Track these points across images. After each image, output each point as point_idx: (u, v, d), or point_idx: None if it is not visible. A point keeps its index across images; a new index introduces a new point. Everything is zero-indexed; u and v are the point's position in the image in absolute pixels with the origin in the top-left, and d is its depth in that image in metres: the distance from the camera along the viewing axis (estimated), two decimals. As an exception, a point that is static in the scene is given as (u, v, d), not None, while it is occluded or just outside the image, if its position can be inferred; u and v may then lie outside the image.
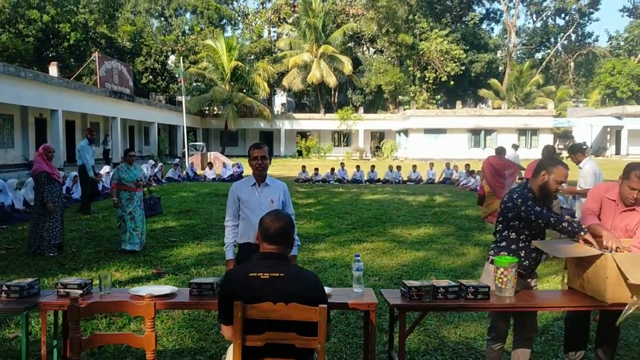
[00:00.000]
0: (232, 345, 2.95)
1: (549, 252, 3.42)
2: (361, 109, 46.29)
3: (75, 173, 13.54)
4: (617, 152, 42.80)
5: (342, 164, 22.51)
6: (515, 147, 16.30)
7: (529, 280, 3.61)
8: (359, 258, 3.45)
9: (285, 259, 2.71)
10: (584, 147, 7.83)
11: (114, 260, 7.55)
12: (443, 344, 4.61)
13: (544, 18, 57.18)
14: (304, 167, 21.70)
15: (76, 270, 6.91)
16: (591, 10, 55.63)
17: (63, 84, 21.37)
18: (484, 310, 3.72)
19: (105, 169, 15.87)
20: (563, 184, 3.48)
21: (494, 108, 46.41)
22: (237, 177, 20.96)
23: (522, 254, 3.50)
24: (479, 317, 5.28)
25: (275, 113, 47.24)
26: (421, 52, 46.41)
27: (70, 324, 2.63)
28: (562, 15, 56.57)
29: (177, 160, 21.55)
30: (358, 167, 21.95)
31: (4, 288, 3.28)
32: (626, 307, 3.12)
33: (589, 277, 3.32)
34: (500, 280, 3.34)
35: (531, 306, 3.41)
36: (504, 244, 3.55)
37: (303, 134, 44.93)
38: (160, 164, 19.01)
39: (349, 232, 9.84)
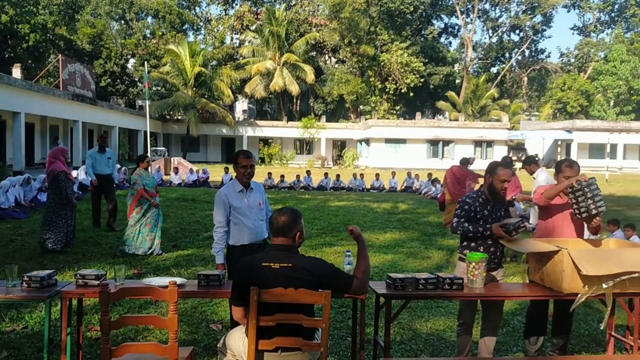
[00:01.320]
0: (235, 329, 3.34)
1: (514, 249, 3.92)
2: (323, 118, 46.89)
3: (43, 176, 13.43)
4: (567, 164, 44.65)
5: (308, 172, 22.97)
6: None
7: (493, 273, 4.13)
8: (349, 253, 3.87)
9: (293, 250, 3.11)
10: (537, 159, 8.52)
11: (93, 261, 7.73)
12: (416, 335, 5.09)
13: (500, 34, 59.36)
14: (269, 173, 22.03)
15: (58, 271, 7.07)
16: (544, 27, 58.14)
17: (26, 86, 21.06)
18: (458, 299, 4.19)
19: (81, 172, 15.76)
20: (506, 182, 4.03)
21: (450, 120, 47.82)
22: (203, 182, 21.09)
23: (481, 250, 4.05)
24: (446, 312, 5.79)
25: (237, 119, 47.29)
26: (382, 64, 47.45)
27: (100, 307, 2.95)
28: (517, 31, 58.89)
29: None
30: (326, 174, 22.47)
31: (25, 279, 3.54)
32: (579, 295, 3.64)
33: (547, 271, 3.84)
34: (472, 273, 3.82)
35: (497, 295, 3.90)
36: (465, 243, 4.17)
37: (265, 141, 45.17)
38: (124, 168, 18.96)
39: (320, 237, 10.25)
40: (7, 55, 34.97)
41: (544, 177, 7.00)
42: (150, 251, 8.24)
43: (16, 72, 23.16)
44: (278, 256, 3.02)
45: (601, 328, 4.07)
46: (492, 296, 3.90)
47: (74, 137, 26.80)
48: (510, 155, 44.59)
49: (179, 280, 3.76)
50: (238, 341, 3.18)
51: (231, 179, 16.67)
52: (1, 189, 11.44)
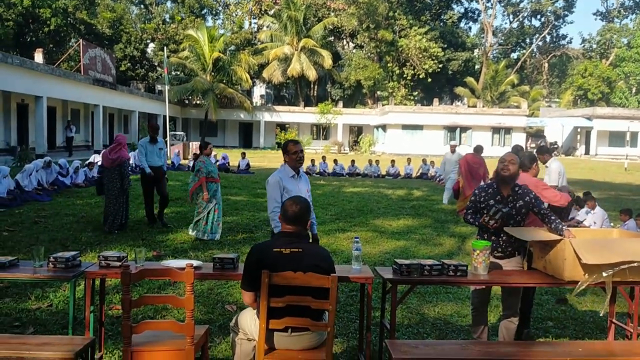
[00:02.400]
0: (245, 310, 3.54)
1: (518, 237, 4.05)
2: (340, 104, 46.89)
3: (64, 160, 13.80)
4: (587, 152, 44.29)
5: (324, 157, 23.09)
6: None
7: (502, 261, 4.24)
8: (358, 240, 4.04)
9: (302, 237, 3.29)
10: (555, 146, 8.56)
11: (114, 243, 7.99)
12: (423, 320, 5.26)
13: (520, 19, 58.51)
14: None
15: (81, 252, 7.34)
16: (566, 12, 57.16)
17: (48, 70, 21.46)
18: (461, 285, 4.35)
19: (96, 157, 16.08)
20: (505, 162, 4.11)
21: (469, 106, 47.47)
22: (223, 168, 21.20)
23: (493, 239, 4.16)
24: (455, 298, 5.94)
25: (254, 104, 47.51)
26: (400, 49, 47.17)
27: (122, 287, 3.16)
28: (538, 16, 57.97)
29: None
30: (336, 161, 22.59)
31: (52, 259, 3.77)
32: (579, 283, 3.77)
33: (550, 259, 3.96)
34: (476, 260, 3.96)
35: (500, 282, 4.04)
36: (480, 232, 4.31)
37: (282, 126, 45.36)
38: (145, 153, 19.26)
39: (333, 222, 10.43)
40: (28, 40, 35.49)
41: (556, 166, 7.06)
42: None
43: (38, 57, 23.59)
44: (288, 242, 3.20)
45: (601, 315, 4.19)
46: (494, 282, 4.03)
47: (94, 121, 27.26)
48: (529, 143, 44.26)
49: (195, 262, 3.96)
50: (250, 321, 3.38)
51: (248, 164, 16.90)
52: (25, 172, 11.78)
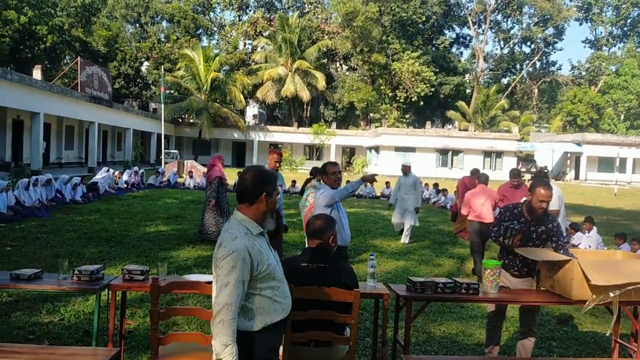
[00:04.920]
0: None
1: (527, 256, 4.20)
2: (333, 125, 47.28)
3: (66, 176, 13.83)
4: (577, 177, 44.88)
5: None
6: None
7: (521, 280, 4.39)
8: (373, 257, 4.17)
9: (328, 252, 3.41)
10: (545, 171, 8.79)
11: (118, 259, 8.04)
12: (430, 338, 5.36)
13: (511, 45, 59.57)
14: (294, 182, 22.33)
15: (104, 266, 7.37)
16: (556, 40, 58.28)
17: (46, 87, 21.56)
18: (473, 302, 4.47)
19: (102, 171, 16.15)
20: (545, 203, 4.13)
21: (460, 129, 48.02)
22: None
23: (511, 257, 4.34)
24: (459, 317, 6.06)
25: (247, 124, 47.82)
26: (393, 72, 47.80)
27: (151, 299, 3.26)
28: (529, 43, 59.05)
29: (160, 168, 21.96)
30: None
31: (76, 272, 3.86)
32: (587, 302, 3.92)
33: (558, 279, 4.11)
34: (487, 279, 4.10)
35: (510, 300, 4.18)
36: (500, 250, 4.50)
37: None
38: (141, 170, 19.36)
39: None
40: (24, 56, 35.60)
41: (555, 191, 7.24)
42: None
43: (36, 73, 23.72)
44: (315, 257, 3.32)
45: (607, 334, 4.33)
46: (504, 301, 4.17)
47: (89, 138, 27.31)
48: (520, 167, 44.74)
49: (210, 277, 4.06)
50: (272, 334, 3.49)
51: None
52: (20, 187, 11.74)
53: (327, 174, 5.25)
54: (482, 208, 8.29)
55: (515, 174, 8.56)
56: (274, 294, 2.66)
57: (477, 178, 9.68)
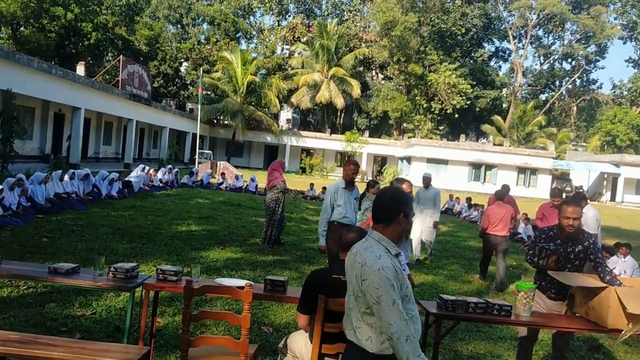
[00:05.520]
0: (296, 332, 3.65)
1: (562, 281, 4.11)
2: (366, 133, 47.22)
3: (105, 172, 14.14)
4: (613, 198, 43.73)
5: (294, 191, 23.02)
6: (427, 181, 10.84)
7: (557, 303, 4.34)
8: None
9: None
10: (580, 191, 8.62)
11: (149, 256, 8.17)
12: (457, 357, 5.29)
13: (551, 61, 58.60)
14: (312, 184, 22.41)
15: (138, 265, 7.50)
16: (598, 58, 57.08)
17: (88, 83, 22.14)
18: (504, 324, 4.40)
19: (138, 169, 16.45)
20: (571, 220, 4.09)
21: (494, 144, 47.39)
22: (253, 190, 21.07)
23: (549, 279, 4.27)
24: (487, 337, 5.97)
25: (280, 128, 48.18)
26: (429, 83, 47.53)
27: (184, 301, 3.31)
28: (569, 60, 57.99)
29: (194, 168, 22.28)
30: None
31: (112, 269, 3.95)
32: (623, 331, 3.82)
33: (593, 305, 4.01)
34: (519, 302, 4.03)
35: (542, 325, 4.10)
36: (537, 272, 4.47)
37: (307, 151, 45.74)
38: (176, 169, 19.66)
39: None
40: (68, 52, 36.64)
41: (593, 213, 7.10)
42: None
43: (80, 69, 24.40)
44: (347, 270, 3.32)
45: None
46: (537, 325, 4.09)
47: (127, 135, 27.90)
48: (554, 185, 43.85)
49: (245, 282, 4.10)
50: (301, 344, 3.50)
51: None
52: (52, 179, 12.00)
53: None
54: (497, 221, 8.72)
55: (556, 193, 8.47)
56: (411, 317, 2.54)
57: (495, 195, 9.94)
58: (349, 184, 6.58)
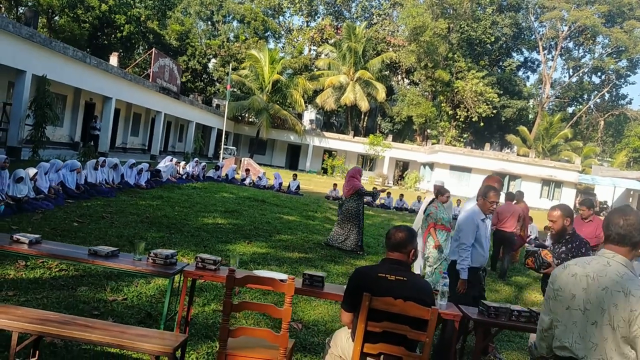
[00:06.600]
0: (341, 329, 3.60)
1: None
2: (389, 137, 47.03)
3: (132, 161, 14.25)
4: (638, 216, 42.78)
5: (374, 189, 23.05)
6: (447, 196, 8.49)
7: None
8: (446, 275, 4.07)
9: (407, 266, 3.34)
10: (604, 206, 8.52)
11: (177, 246, 8.19)
12: (488, 365, 5.20)
13: (581, 74, 57.70)
14: (335, 185, 22.34)
15: (177, 252, 7.51)
16: (629, 72, 56.05)
17: (121, 74, 22.39)
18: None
19: (166, 160, 16.60)
20: (550, 222, 4.47)
21: (518, 154, 46.85)
22: (277, 187, 21.09)
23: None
24: (518, 347, 5.86)
25: (303, 128, 48.26)
26: (455, 90, 47.16)
27: (226, 290, 3.28)
28: (599, 74, 57.07)
29: (220, 163, 22.43)
30: (389, 194, 22.35)
31: (152, 255, 3.94)
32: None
33: None
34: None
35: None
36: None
37: (330, 153, 45.71)
38: (203, 163, 19.79)
39: (365, 254, 10.36)
40: (101, 43, 37.13)
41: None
42: None
43: (113, 60, 24.71)
44: (394, 269, 3.25)
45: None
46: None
47: (154, 127, 28.15)
48: (578, 199, 43.17)
49: (284, 275, 4.06)
50: (344, 340, 3.46)
51: (298, 186, 17.14)
52: (87, 168, 12.14)
53: (487, 199, 5.17)
54: (505, 219, 9.91)
55: (585, 202, 8.13)
56: None
57: (506, 195, 11.11)
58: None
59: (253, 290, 6.25)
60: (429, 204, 8.15)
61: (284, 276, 3.98)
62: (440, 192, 8.04)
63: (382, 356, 3.21)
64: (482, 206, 5.26)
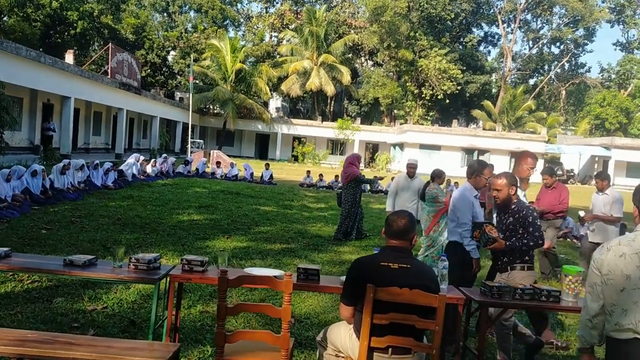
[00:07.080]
0: (336, 324, 3.40)
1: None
2: (357, 120, 46.95)
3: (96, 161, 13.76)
4: (603, 181, 43.82)
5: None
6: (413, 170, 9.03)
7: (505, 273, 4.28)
8: (445, 258, 3.90)
9: (410, 253, 3.15)
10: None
11: (154, 247, 7.88)
12: (490, 345, 5.06)
13: (540, 46, 58.51)
14: (308, 172, 22.14)
15: (161, 256, 7.18)
16: (586, 41, 57.09)
17: (78, 72, 21.60)
18: (554, 311, 4.19)
19: (131, 159, 16.05)
20: (494, 190, 4.39)
21: (484, 129, 47.38)
22: (249, 178, 20.75)
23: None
24: (528, 324, 5.75)
25: (270, 116, 47.80)
26: (419, 69, 47.24)
27: (219, 293, 3.04)
28: (558, 44, 57.97)
29: (189, 157, 21.92)
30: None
31: (133, 260, 3.66)
32: None
33: None
34: (567, 287, 3.81)
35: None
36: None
37: (299, 139, 45.41)
38: (171, 159, 19.29)
39: (370, 239, 10.27)
40: (54, 41, 35.84)
41: (619, 196, 6.94)
42: None
43: (69, 58, 23.79)
44: (396, 257, 3.05)
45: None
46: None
47: (117, 124, 27.36)
48: (548, 165, 43.94)
49: (277, 272, 3.84)
50: (344, 336, 3.23)
51: (271, 175, 16.89)
52: (54, 172, 11.68)
53: (481, 175, 5.08)
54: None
55: (546, 171, 8.34)
56: None
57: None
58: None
59: (238, 287, 6.01)
60: (424, 188, 8.09)
61: (277, 272, 3.76)
62: (438, 175, 8.02)
63: (389, 350, 3.02)
64: (476, 183, 5.15)
